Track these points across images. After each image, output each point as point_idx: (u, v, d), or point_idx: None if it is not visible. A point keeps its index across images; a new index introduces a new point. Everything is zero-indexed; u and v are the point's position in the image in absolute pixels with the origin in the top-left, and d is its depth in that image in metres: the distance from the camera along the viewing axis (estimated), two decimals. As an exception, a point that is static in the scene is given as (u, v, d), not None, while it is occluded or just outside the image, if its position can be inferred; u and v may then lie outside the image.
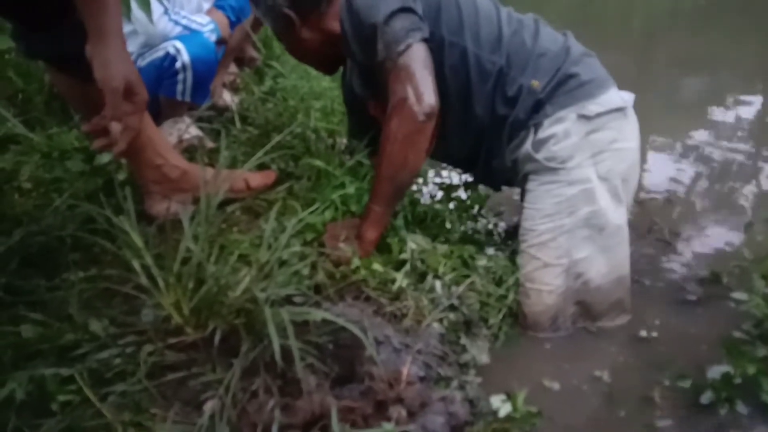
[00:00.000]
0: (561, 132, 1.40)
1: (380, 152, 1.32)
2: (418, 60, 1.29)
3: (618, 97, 1.45)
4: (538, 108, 1.41)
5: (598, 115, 1.41)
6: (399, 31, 1.29)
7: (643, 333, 1.44)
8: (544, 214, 1.42)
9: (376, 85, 1.40)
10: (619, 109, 1.44)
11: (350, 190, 1.46)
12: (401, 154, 1.30)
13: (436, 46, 1.38)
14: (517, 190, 2.05)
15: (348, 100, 1.77)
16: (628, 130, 1.47)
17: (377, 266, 1.32)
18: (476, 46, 1.41)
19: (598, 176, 1.42)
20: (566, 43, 1.48)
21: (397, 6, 1.30)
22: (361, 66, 1.46)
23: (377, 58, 1.32)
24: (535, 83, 1.40)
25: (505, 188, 1.74)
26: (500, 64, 1.41)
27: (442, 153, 1.59)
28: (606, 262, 1.44)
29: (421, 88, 1.27)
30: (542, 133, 1.41)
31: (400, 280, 1.30)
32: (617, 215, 1.44)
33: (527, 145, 1.43)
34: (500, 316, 1.38)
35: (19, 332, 1.10)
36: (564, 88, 1.41)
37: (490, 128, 1.47)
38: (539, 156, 1.42)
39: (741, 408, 1.18)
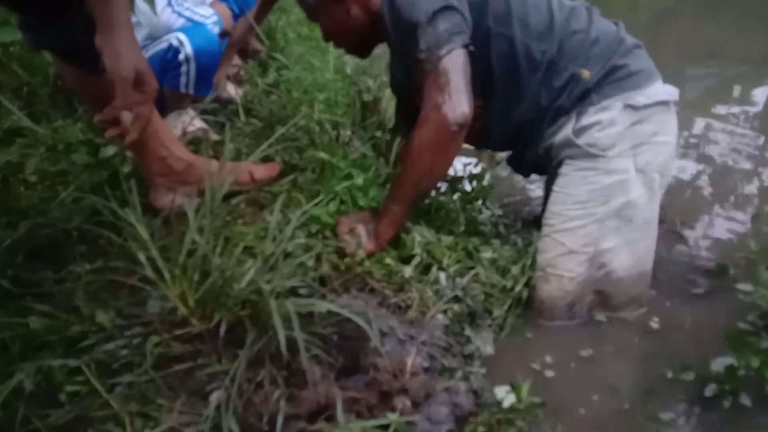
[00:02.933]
0: (606, 120, 1.39)
1: (408, 154, 1.32)
2: (457, 67, 1.27)
3: (663, 90, 1.44)
4: (584, 96, 1.41)
5: (645, 106, 1.40)
6: (442, 33, 1.27)
7: (654, 325, 1.44)
8: (577, 200, 1.42)
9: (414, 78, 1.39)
10: (664, 103, 1.43)
11: (359, 180, 1.46)
12: (429, 161, 1.30)
13: (482, 37, 1.36)
14: (522, 181, 2.05)
15: (394, 85, 1.77)
16: (670, 124, 1.46)
17: (390, 260, 1.32)
18: (525, 35, 1.39)
19: (636, 168, 1.41)
20: (619, 33, 1.46)
21: (441, 5, 1.28)
22: (401, 57, 1.46)
23: (416, 56, 1.30)
24: (585, 73, 1.39)
25: (512, 179, 1.74)
26: (551, 53, 1.39)
27: (483, 141, 1.59)
28: (630, 256, 1.44)
29: (457, 97, 1.26)
30: (585, 120, 1.40)
31: (408, 272, 1.30)
32: (648, 209, 1.44)
33: (567, 131, 1.42)
34: (505, 307, 1.38)
35: (26, 324, 1.11)
36: (612, 77, 1.40)
37: (533, 118, 1.46)
38: (580, 141, 1.41)
39: (745, 400, 1.18)
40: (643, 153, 1.41)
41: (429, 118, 1.28)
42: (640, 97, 1.40)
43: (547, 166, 1.54)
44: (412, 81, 1.41)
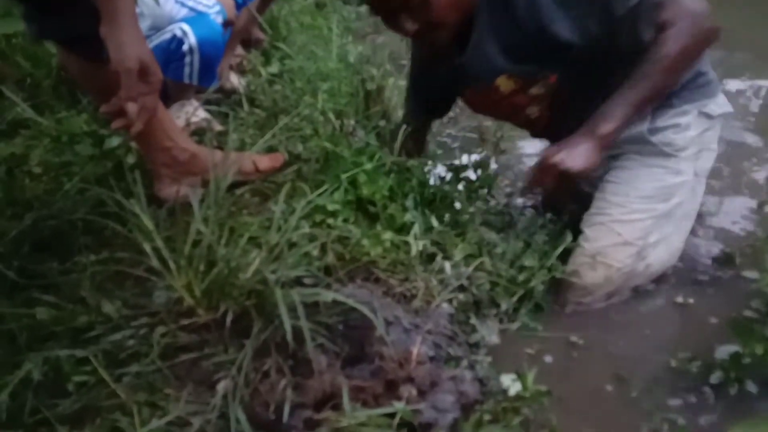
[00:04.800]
0: (683, 123, 1.41)
1: (658, 61, 1.24)
2: None
3: (726, 101, 1.48)
4: (666, 97, 1.40)
5: (718, 115, 1.44)
6: None
7: (659, 313, 1.44)
8: (642, 194, 1.43)
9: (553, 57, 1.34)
10: (728, 113, 1.48)
11: (367, 166, 1.45)
12: (681, 66, 1.26)
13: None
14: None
15: (420, 80, 1.73)
16: (718, 134, 1.51)
17: (389, 235, 1.32)
18: None
19: (694, 171, 1.46)
20: None
21: None
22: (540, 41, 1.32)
23: (622, 5, 1.24)
24: None
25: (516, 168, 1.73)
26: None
27: (552, 127, 1.54)
28: (666, 250, 1.48)
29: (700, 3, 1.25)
30: (662, 122, 1.41)
31: (413, 243, 1.31)
32: (690, 208, 1.50)
33: (640, 127, 1.42)
34: (515, 299, 1.37)
35: (33, 314, 1.12)
36: (694, 83, 1.42)
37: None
38: (655, 140, 1.42)
39: (751, 387, 1.18)
40: (701, 158, 1.46)
41: (683, 26, 1.22)
42: (713, 106, 1.43)
43: None
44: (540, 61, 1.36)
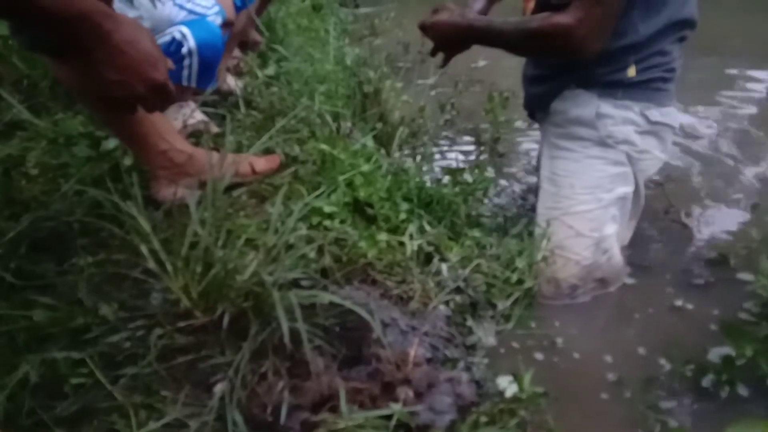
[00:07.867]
0: (620, 117, 1.45)
1: (532, 28, 1.33)
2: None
3: (675, 115, 1.51)
4: (613, 85, 1.44)
5: (656, 123, 1.47)
6: None
7: (654, 315, 1.45)
8: (586, 185, 1.47)
9: None
10: (671, 126, 1.50)
11: (364, 168, 1.46)
12: (534, 50, 1.42)
13: None
14: (522, 172, 2.05)
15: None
16: (668, 144, 1.55)
17: (383, 236, 1.33)
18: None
19: (634, 172, 1.50)
20: (682, 54, 1.49)
21: None
22: None
23: None
24: (632, 71, 1.41)
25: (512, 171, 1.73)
26: (637, 36, 1.38)
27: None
28: (620, 243, 1.54)
29: (599, 32, 1.29)
30: (604, 108, 1.45)
31: (408, 244, 1.31)
32: (634, 205, 1.56)
33: (589, 110, 1.46)
34: (511, 300, 1.38)
35: (30, 316, 1.11)
36: (643, 86, 1.44)
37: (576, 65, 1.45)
38: (600, 125, 1.45)
39: (742, 390, 1.19)
40: (641, 161, 1.50)
41: (565, 29, 1.28)
42: (656, 113, 1.46)
43: (544, 118, 1.59)
44: None
